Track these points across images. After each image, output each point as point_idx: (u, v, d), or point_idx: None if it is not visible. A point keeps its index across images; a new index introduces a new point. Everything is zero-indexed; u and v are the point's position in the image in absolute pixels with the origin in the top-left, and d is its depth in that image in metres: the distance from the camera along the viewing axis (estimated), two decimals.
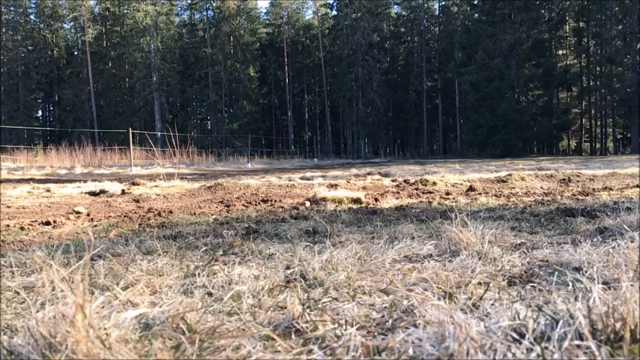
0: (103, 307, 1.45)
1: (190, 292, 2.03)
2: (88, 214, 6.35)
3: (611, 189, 8.37)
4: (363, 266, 2.35)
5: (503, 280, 2.08)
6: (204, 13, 52.61)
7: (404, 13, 54.00)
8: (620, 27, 38.11)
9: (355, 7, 47.96)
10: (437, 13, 53.82)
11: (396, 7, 54.57)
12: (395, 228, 3.84)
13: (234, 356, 1.28)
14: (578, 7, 42.24)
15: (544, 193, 8.75)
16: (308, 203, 8.46)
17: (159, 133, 34.86)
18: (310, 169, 22.69)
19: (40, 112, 55.76)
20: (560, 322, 1.24)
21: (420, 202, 7.76)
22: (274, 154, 41.81)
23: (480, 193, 9.23)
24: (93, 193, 11.19)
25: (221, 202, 8.38)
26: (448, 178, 12.75)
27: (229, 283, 2.13)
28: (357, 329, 1.41)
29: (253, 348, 1.32)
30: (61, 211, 7.66)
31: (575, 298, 1.58)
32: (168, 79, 47.73)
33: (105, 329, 1.26)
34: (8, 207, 8.04)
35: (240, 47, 49.97)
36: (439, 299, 1.71)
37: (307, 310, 1.60)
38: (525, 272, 2.15)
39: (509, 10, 37.87)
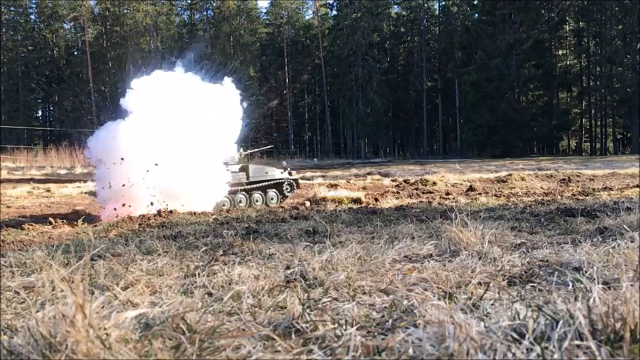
0: (103, 307, 1.45)
1: (190, 292, 2.03)
2: (89, 215, 6.33)
3: (611, 189, 8.36)
4: (363, 266, 2.35)
5: (503, 280, 2.08)
6: (205, 13, 52.57)
7: (404, 13, 53.94)
8: (620, 27, 38.06)
9: (355, 7, 47.90)
10: (437, 13, 53.81)
11: (396, 7, 54.53)
12: (395, 228, 3.84)
13: (234, 356, 1.28)
14: (578, 7, 42.21)
15: (544, 193, 8.75)
16: (308, 203, 8.47)
17: None
18: (310, 169, 22.69)
19: (40, 112, 55.78)
20: (560, 322, 1.24)
21: (420, 202, 7.76)
22: (274, 154, 41.80)
23: (480, 193, 9.24)
24: (93, 193, 11.13)
25: None
26: (448, 178, 12.75)
27: (229, 283, 2.13)
28: (357, 329, 1.41)
29: (253, 348, 1.32)
30: (61, 211, 7.65)
31: (575, 298, 1.58)
32: None
33: (105, 329, 1.26)
34: (8, 207, 8.05)
35: (240, 47, 49.96)
36: (439, 299, 1.71)
37: (307, 310, 1.60)
38: (525, 272, 2.15)
39: (509, 10, 37.82)
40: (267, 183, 9.14)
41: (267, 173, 9.33)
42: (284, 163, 11.30)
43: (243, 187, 8.49)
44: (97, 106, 44.34)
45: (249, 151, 12.17)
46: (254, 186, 8.81)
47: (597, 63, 41.31)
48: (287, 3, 56.75)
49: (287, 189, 9.53)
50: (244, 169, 9.03)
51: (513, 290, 1.92)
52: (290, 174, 9.83)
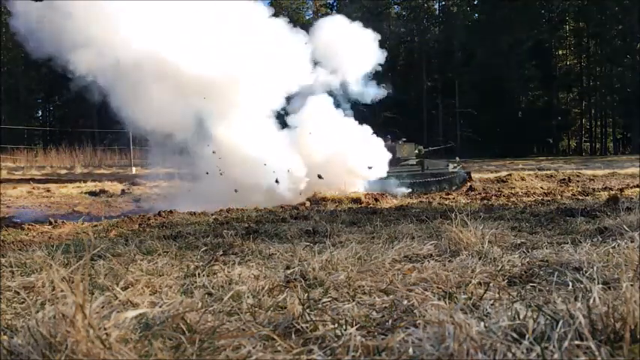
0: (103, 307, 1.45)
1: (190, 292, 2.03)
2: (88, 214, 6.34)
3: (611, 189, 8.37)
4: (363, 266, 2.35)
5: (503, 280, 2.08)
6: None
7: (404, 13, 53.95)
8: (620, 27, 38.04)
9: (355, 7, 47.93)
10: (437, 13, 53.79)
11: (396, 7, 54.53)
12: (395, 228, 3.84)
13: (234, 356, 1.28)
14: (578, 7, 42.18)
15: (544, 193, 8.75)
16: (308, 203, 8.47)
17: None
18: None
19: (40, 112, 55.75)
20: (560, 322, 1.24)
21: (420, 202, 7.76)
22: None
23: (480, 193, 9.24)
24: (93, 193, 11.16)
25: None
26: None
27: (229, 283, 2.13)
28: (357, 329, 1.40)
29: (253, 348, 1.32)
30: (61, 211, 7.66)
31: (575, 298, 1.58)
32: None
33: (105, 329, 1.26)
34: (8, 207, 8.05)
35: None
36: (439, 299, 1.71)
37: (307, 310, 1.60)
38: (525, 272, 2.15)
39: (509, 10, 37.81)
40: (441, 175, 10.95)
41: (440, 167, 11.20)
42: (457, 158, 13.23)
43: (419, 180, 10.52)
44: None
45: (430, 148, 13.68)
46: (429, 179, 10.70)
47: (597, 63, 41.29)
48: (287, 3, 56.73)
49: (459, 180, 11.24)
50: (420, 163, 11.06)
51: (513, 290, 1.91)
52: (463, 168, 11.65)
